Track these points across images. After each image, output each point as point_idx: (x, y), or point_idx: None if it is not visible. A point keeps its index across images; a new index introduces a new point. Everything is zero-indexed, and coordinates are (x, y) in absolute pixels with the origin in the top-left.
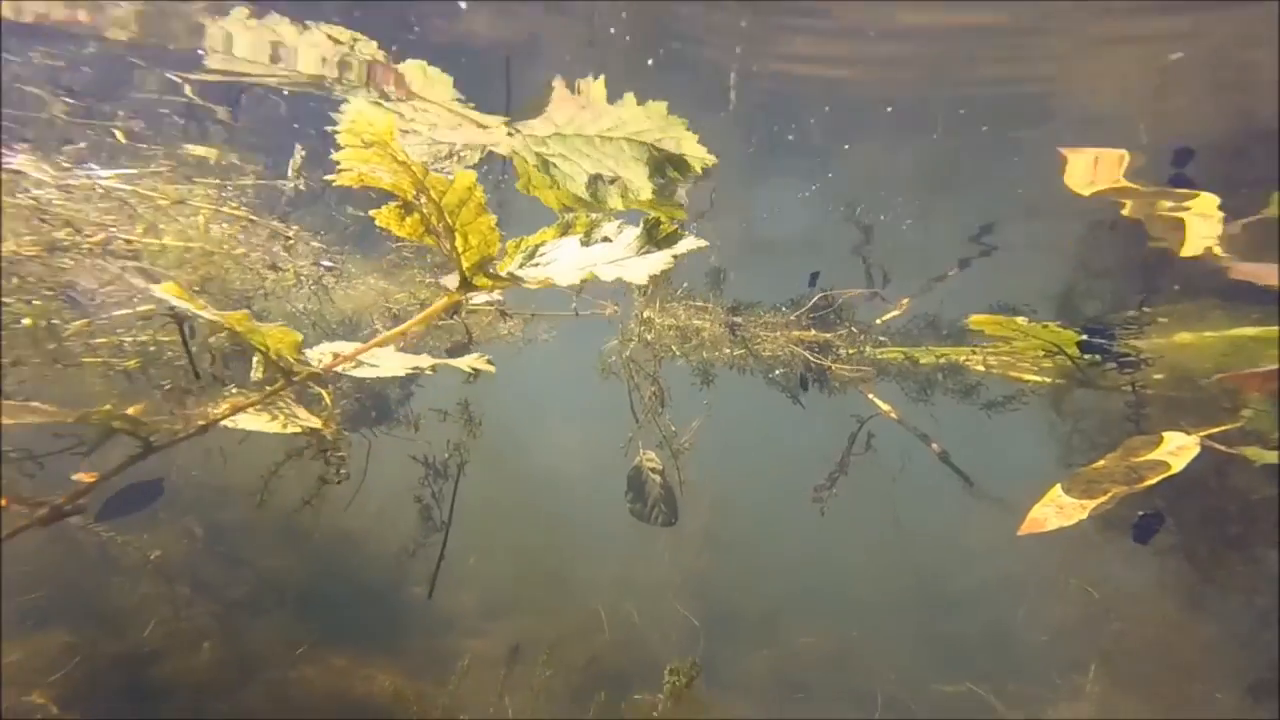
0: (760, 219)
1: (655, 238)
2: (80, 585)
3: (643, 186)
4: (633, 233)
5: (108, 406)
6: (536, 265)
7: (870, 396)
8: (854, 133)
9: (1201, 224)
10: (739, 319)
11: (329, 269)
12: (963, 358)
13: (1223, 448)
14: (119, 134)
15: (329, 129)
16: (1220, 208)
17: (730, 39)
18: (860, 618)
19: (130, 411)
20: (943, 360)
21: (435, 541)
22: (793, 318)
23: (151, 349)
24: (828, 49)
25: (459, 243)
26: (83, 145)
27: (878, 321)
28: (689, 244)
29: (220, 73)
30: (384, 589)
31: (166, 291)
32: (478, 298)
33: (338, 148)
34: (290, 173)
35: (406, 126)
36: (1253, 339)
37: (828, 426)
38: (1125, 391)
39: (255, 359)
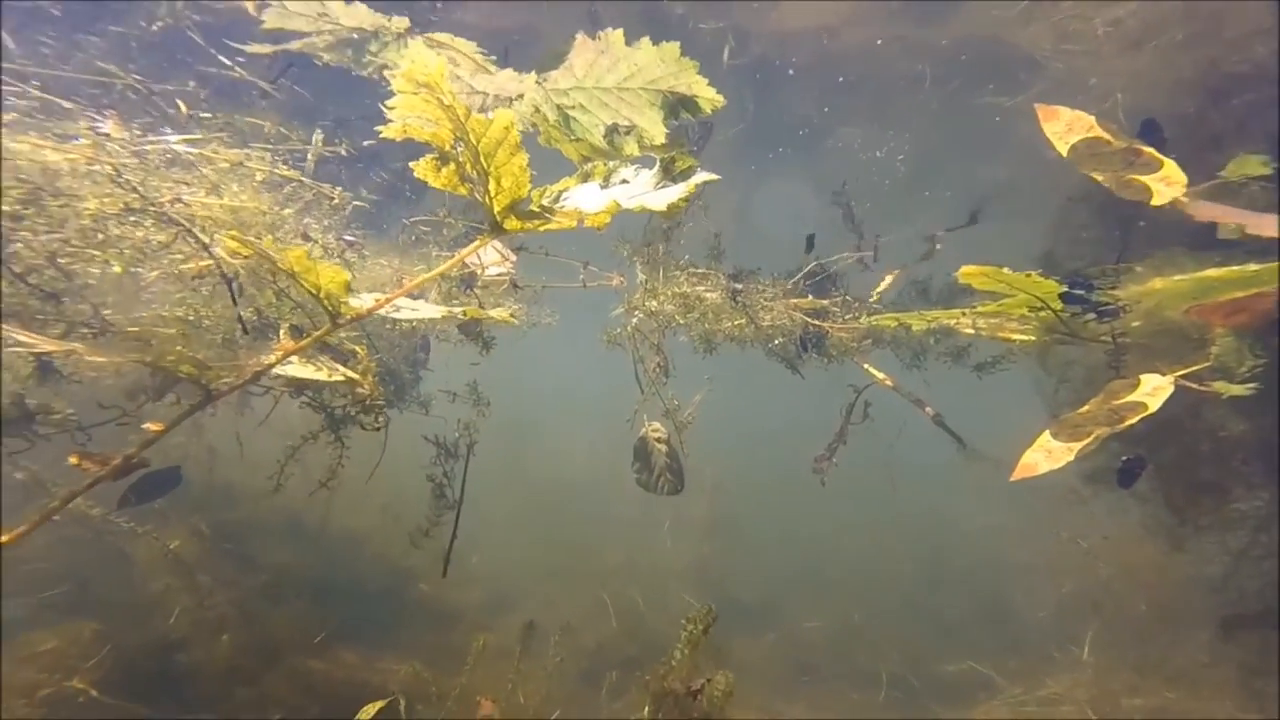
0: (753, 197)
1: (671, 173)
2: (101, 578)
3: (657, 132)
4: (648, 173)
5: (179, 347)
6: (561, 207)
7: (866, 366)
8: (842, 106)
9: (1167, 188)
10: (740, 285)
11: (351, 244)
12: (953, 320)
13: (1194, 385)
14: (181, 105)
15: (386, 74)
16: (1185, 168)
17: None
18: (863, 599)
19: (202, 355)
20: (934, 324)
21: (447, 520)
22: (790, 285)
23: (190, 319)
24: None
25: (492, 186)
26: (149, 119)
27: (873, 295)
28: (704, 176)
29: (275, 31)
30: (391, 586)
31: (230, 238)
32: (491, 270)
33: (377, 117)
34: (310, 156)
35: (451, 72)
36: (1217, 279)
37: (828, 409)
38: (1106, 342)
39: (284, 327)
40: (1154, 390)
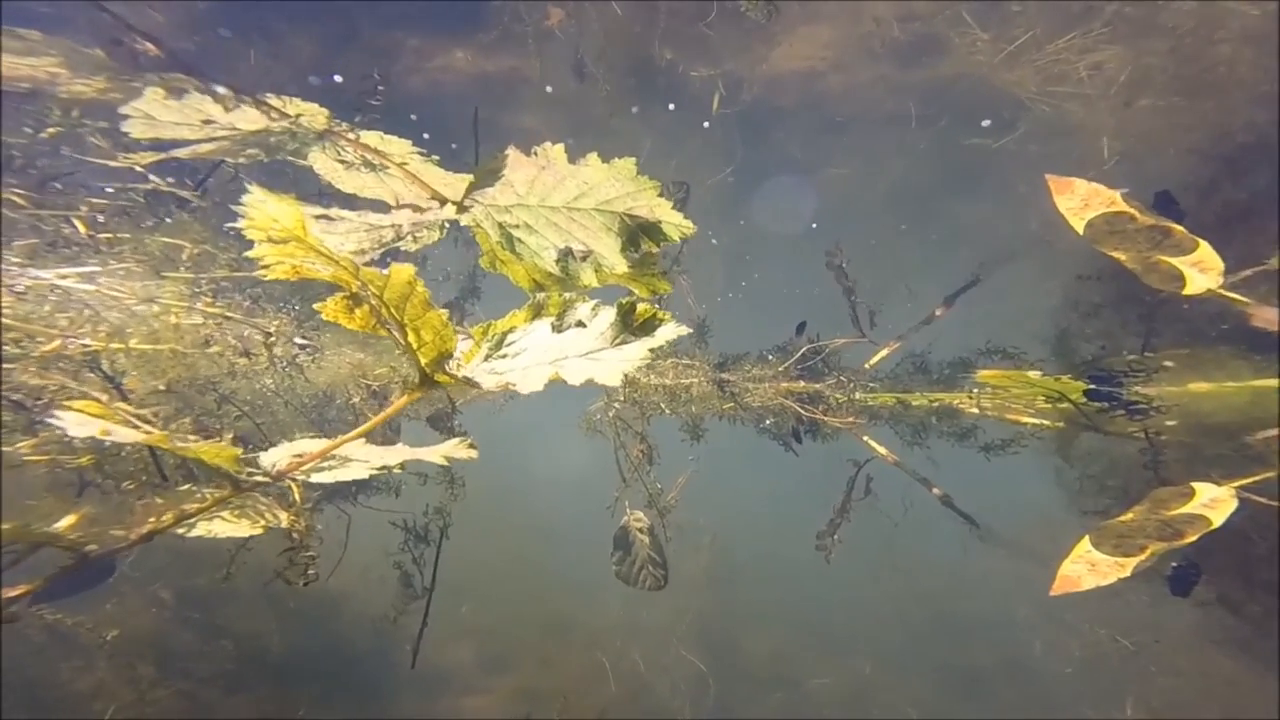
0: (743, 255)
1: (631, 325)
2: (24, 672)
3: (617, 260)
4: (608, 317)
5: (13, 524)
6: (504, 356)
7: (866, 440)
8: (832, 153)
9: (1201, 275)
10: (726, 375)
11: (303, 347)
12: (957, 401)
13: (1264, 500)
14: (79, 225)
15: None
16: (1215, 248)
17: (713, 53)
18: (870, 653)
19: (67, 523)
20: (936, 404)
21: (417, 609)
22: (781, 369)
23: (108, 444)
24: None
25: (412, 338)
26: (35, 241)
27: (867, 366)
28: (668, 332)
29: (151, 140)
30: (375, 647)
31: (82, 411)
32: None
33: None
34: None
35: (332, 214)
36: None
37: (822, 461)
38: (1135, 437)
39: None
40: (1214, 503)
